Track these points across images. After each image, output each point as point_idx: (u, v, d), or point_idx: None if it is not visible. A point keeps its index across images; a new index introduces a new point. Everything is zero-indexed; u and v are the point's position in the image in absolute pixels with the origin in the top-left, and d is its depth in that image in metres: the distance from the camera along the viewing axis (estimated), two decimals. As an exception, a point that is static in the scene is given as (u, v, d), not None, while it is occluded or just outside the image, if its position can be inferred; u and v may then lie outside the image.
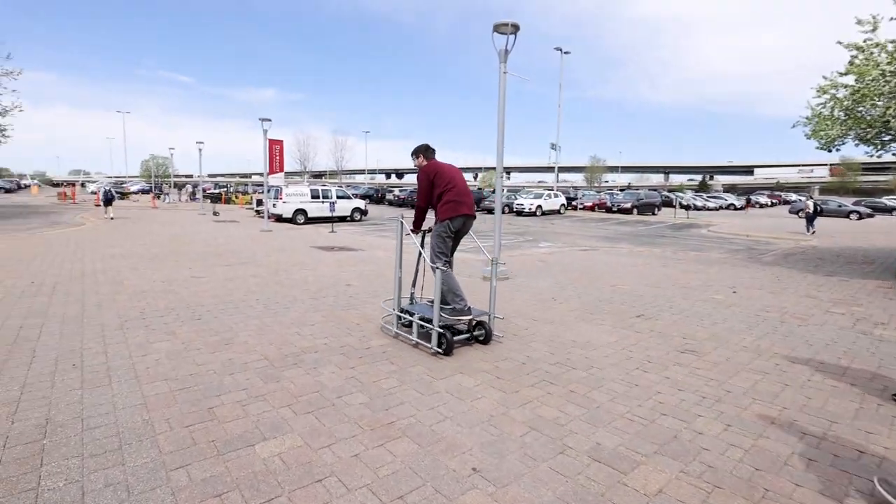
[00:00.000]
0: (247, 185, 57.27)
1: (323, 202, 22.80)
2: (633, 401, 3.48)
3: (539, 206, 31.43)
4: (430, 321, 4.29)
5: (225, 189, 39.01)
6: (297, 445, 2.77)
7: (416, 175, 4.90)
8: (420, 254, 4.82)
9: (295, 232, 16.99)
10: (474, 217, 4.74)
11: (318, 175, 67.53)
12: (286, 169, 19.44)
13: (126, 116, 57.23)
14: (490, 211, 30.89)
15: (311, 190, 23.03)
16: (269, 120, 17.34)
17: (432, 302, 4.36)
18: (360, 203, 24.89)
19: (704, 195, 50.45)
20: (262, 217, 25.29)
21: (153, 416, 3.03)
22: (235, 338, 4.67)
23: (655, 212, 34.24)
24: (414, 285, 5.00)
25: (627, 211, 32.89)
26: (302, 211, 21.96)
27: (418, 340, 4.50)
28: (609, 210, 33.94)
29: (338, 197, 23.55)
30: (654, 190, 48.15)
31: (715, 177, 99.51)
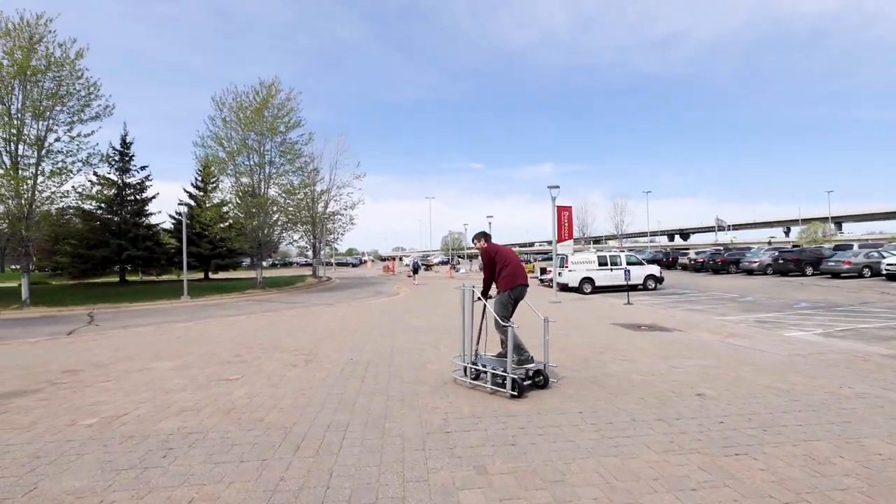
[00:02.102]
0: (526, 254, 60.06)
1: (612, 269, 20.84)
2: None
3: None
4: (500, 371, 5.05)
5: (508, 259, 41.32)
6: None
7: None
8: (483, 316, 5.68)
9: (584, 303, 15.32)
10: (528, 286, 5.68)
11: (597, 240, 65.89)
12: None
13: (431, 201, 68.77)
14: (836, 275, 23.06)
15: (599, 256, 21.29)
16: (557, 187, 16.69)
17: (497, 356, 5.58)
18: (655, 269, 21.73)
19: None
20: (546, 286, 25.22)
21: None
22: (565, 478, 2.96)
23: None
24: (478, 342, 5.65)
25: None
26: (589, 279, 20.43)
27: (494, 388, 5.07)
28: None
29: (628, 263, 21.15)
30: None
31: None
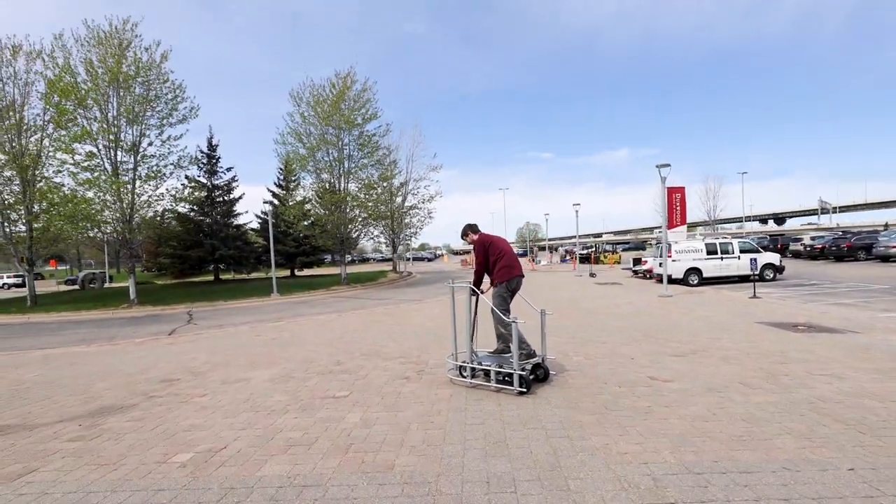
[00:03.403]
0: (603, 244, 56.66)
1: (722, 258, 18.36)
2: None
3: None
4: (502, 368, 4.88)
5: (593, 249, 38.80)
6: None
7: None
8: (475, 311, 5.32)
9: (700, 297, 13.27)
10: (524, 276, 5.53)
11: (691, 227, 60.93)
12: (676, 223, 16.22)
13: (504, 193, 66.91)
14: None
15: (707, 244, 18.82)
16: (668, 165, 14.60)
17: (492, 352, 5.48)
18: (774, 258, 18.90)
19: None
20: (642, 276, 23.00)
21: None
22: None
23: None
24: (472, 339, 5.24)
25: None
26: (696, 270, 18.12)
27: (499, 385, 4.82)
28: None
29: (742, 251, 18.55)
30: None
31: None
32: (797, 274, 20.09)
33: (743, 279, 18.41)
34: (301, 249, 35.62)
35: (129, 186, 17.06)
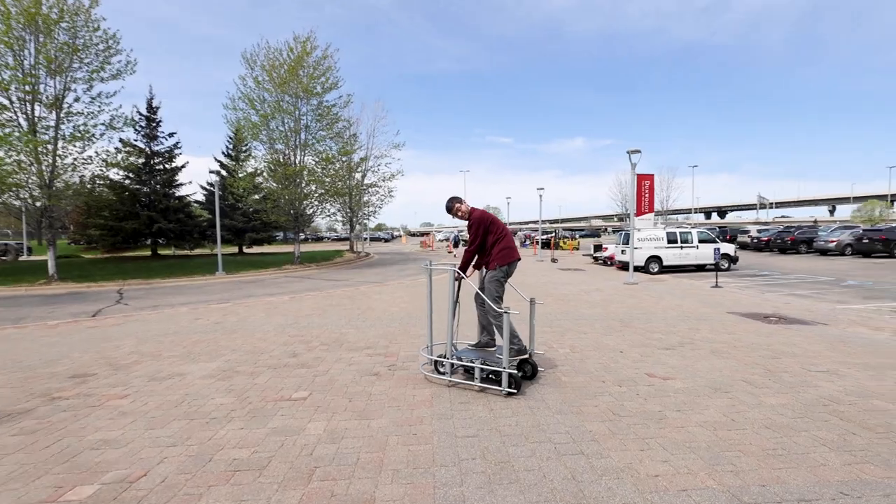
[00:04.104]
0: (561, 230, 57.36)
1: (682, 247, 18.59)
2: None
3: None
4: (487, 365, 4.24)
5: (553, 234, 38.93)
6: None
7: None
8: (457, 300, 4.61)
9: (663, 285, 13.20)
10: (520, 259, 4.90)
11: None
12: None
13: (465, 175, 66.33)
14: None
15: (668, 233, 18.96)
16: (639, 152, 14.34)
17: (474, 345, 4.78)
18: (729, 248, 19.40)
19: None
20: (602, 263, 23.10)
21: None
22: None
23: None
24: (454, 331, 4.55)
25: None
26: (656, 258, 18.22)
27: (483, 385, 4.18)
28: None
29: (700, 241, 18.85)
30: None
31: None
32: (748, 265, 20.69)
33: (699, 268, 18.77)
34: (251, 225, 33.50)
35: (50, 147, 14.97)
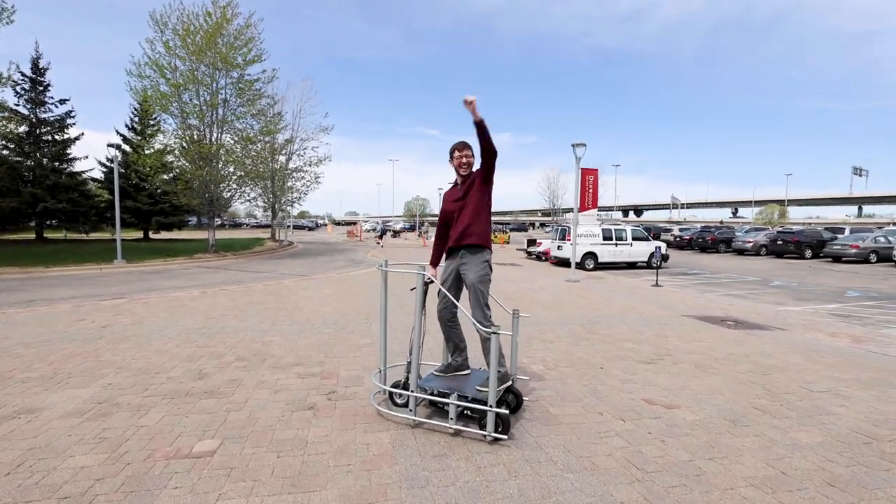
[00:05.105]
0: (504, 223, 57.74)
1: (617, 244, 18.81)
2: None
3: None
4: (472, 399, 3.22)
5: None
6: None
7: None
8: (423, 308, 3.37)
9: (604, 283, 13.02)
10: None
11: (567, 212, 64.64)
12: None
13: (387, 165, 64.87)
14: (838, 259, 21.42)
15: (604, 230, 19.09)
16: (584, 145, 13.99)
17: (440, 371, 3.72)
18: (662, 245, 19.93)
19: None
20: (536, 258, 23.00)
21: None
22: None
23: None
24: (419, 352, 3.39)
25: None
26: (592, 255, 18.25)
27: (458, 427, 3.16)
28: None
29: (634, 238, 19.18)
30: None
31: None
32: (676, 263, 21.42)
33: (630, 266, 19.10)
34: (159, 208, 30.02)
35: None
